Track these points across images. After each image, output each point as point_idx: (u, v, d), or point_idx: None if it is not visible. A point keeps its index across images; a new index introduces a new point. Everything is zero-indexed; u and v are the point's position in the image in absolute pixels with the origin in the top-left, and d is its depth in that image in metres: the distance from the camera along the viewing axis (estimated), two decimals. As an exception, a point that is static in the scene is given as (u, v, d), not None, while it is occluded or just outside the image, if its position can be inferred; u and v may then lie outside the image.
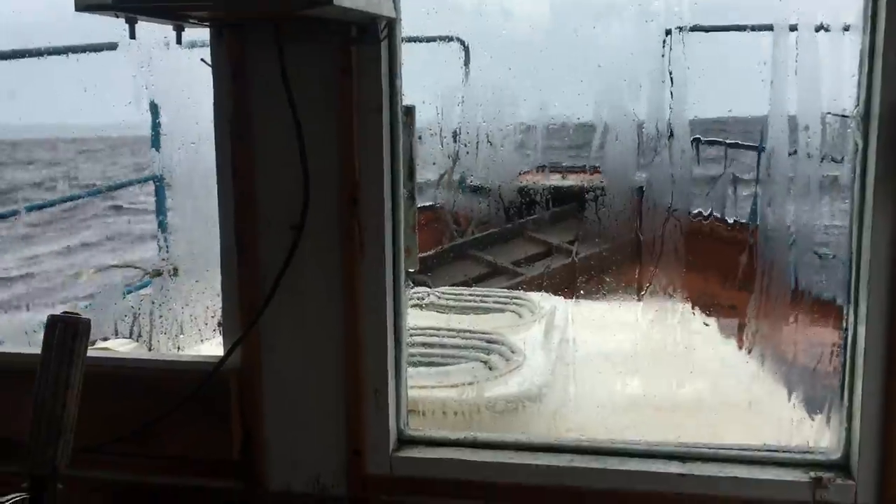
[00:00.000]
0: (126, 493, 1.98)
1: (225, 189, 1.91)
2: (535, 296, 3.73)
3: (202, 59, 1.92)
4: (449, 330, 3.07)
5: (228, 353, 1.90)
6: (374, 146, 1.85)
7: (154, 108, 3.82)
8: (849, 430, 1.79)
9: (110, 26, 1.80)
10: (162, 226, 4.80)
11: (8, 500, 1.28)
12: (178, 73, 2.04)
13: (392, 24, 1.84)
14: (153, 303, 2.13)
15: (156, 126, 3.99)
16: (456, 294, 3.69)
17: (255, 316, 1.88)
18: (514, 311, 3.50)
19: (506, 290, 4.54)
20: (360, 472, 1.92)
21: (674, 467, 1.84)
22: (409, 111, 1.97)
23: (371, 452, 1.91)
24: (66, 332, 1.24)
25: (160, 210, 4.64)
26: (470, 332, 3.09)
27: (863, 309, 1.70)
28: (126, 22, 1.61)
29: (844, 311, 1.80)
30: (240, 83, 1.86)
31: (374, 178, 1.86)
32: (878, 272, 1.68)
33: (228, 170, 1.89)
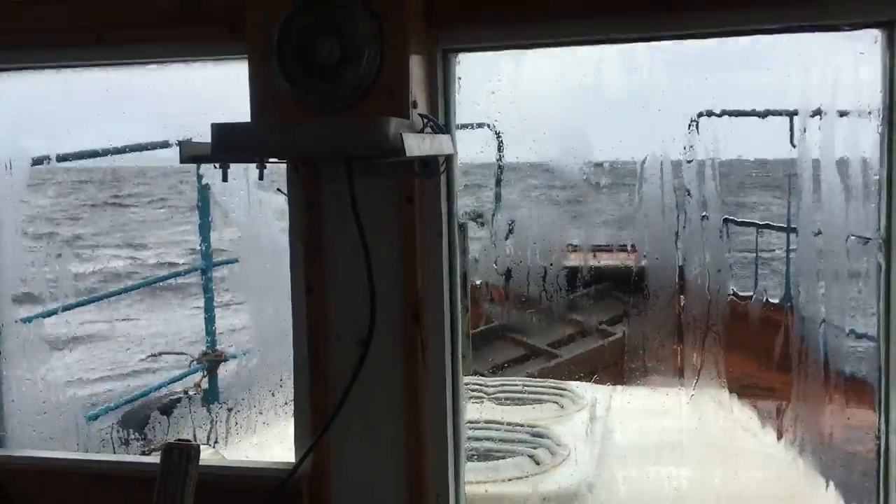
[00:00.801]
0: None
1: (298, 305, 2.09)
2: (575, 385, 3.85)
3: (278, 189, 2.13)
4: (496, 423, 3.20)
5: (301, 460, 2.05)
6: (436, 266, 2.03)
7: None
8: (888, 534, 1.89)
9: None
10: (208, 320, 5.03)
11: None
12: (256, 201, 2.25)
13: (450, 158, 2.04)
14: (229, 410, 2.29)
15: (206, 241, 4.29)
16: (500, 384, 3.83)
17: (325, 425, 2.03)
18: (556, 402, 3.62)
19: (548, 380, 4.66)
20: (424, 574, 2.04)
21: (722, 570, 1.94)
22: (463, 228, 2.15)
23: None
24: (181, 456, 1.40)
25: (208, 306, 4.89)
26: (517, 425, 3.21)
27: (894, 421, 1.82)
28: (220, 167, 1.82)
29: (876, 420, 1.92)
30: (313, 211, 2.06)
31: (436, 295, 2.03)
32: (906, 387, 1.81)
33: (302, 288, 2.08)
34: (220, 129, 1.68)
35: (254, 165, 1.95)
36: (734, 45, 1.95)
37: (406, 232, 2.02)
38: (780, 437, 3.42)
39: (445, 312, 2.06)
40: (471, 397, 3.58)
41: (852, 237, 1.93)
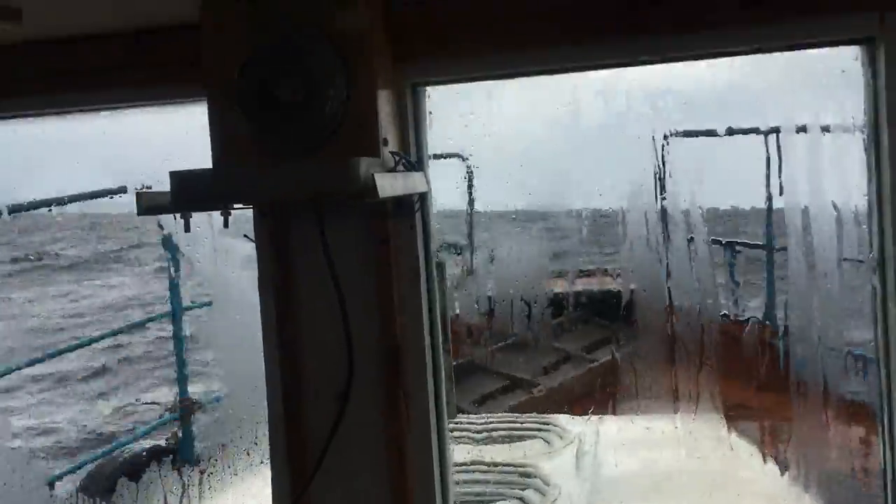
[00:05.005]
0: None
1: (272, 360, 1.97)
2: (562, 419, 3.76)
3: (245, 236, 2.02)
4: (483, 464, 3.09)
5: (280, 522, 1.92)
6: (414, 309, 1.93)
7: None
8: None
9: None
10: (180, 367, 4.92)
11: None
12: (221, 248, 2.14)
13: (424, 196, 1.95)
14: (202, 473, 2.16)
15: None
16: (484, 422, 3.72)
17: (304, 485, 1.92)
18: (542, 438, 3.52)
19: (533, 415, 4.57)
20: None
21: None
22: (441, 267, 2.06)
23: None
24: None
25: (178, 352, 4.78)
26: (503, 465, 3.11)
27: None
28: (181, 218, 1.71)
29: (879, 440, 1.83)
30: (283, 259, 1.95)
31: (416, 340, 1.93)
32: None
33: (274, 345, 1.96)
34: (179, 179, 1.57)
35: (218, 213, 1.86)
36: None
37: (381, 275, 1.92)
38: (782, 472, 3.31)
39: (427, 357, 1.95)
40: (455, 437, 3.47)
41: (845, 261, 1.86)
